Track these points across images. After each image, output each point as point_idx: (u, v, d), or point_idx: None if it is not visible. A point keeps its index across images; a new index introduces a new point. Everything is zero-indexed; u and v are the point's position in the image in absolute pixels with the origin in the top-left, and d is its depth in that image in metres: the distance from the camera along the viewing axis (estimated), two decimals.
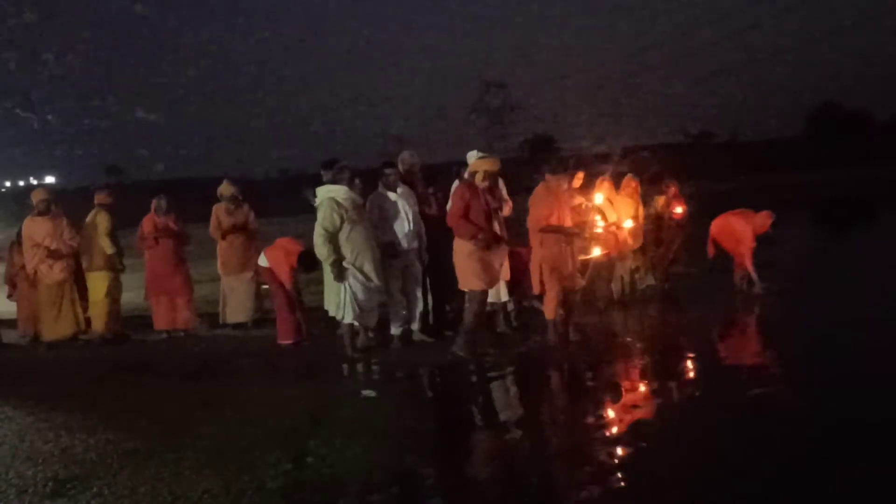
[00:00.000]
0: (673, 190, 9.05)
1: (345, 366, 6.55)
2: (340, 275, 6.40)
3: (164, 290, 8.14)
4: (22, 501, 4.01)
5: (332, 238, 6.36)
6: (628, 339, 7.18)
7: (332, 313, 6.70)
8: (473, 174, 6.56)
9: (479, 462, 4.45)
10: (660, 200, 9.00)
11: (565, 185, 6.83)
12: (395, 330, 6.93)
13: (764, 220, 8.22)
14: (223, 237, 8.21)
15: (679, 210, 8.98)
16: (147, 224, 8.20)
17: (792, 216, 12.72)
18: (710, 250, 8.72)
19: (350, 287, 6.45)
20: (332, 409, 5.30)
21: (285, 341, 7.29)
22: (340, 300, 6.48)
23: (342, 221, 6.38)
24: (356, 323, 6.63)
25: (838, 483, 3.66)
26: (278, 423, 5.01)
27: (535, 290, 6.58)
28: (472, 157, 6.95)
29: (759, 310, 7.86)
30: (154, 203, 8.25)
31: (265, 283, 7.83)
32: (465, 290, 6.43)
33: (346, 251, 6.42)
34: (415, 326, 7.01)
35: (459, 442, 4.74)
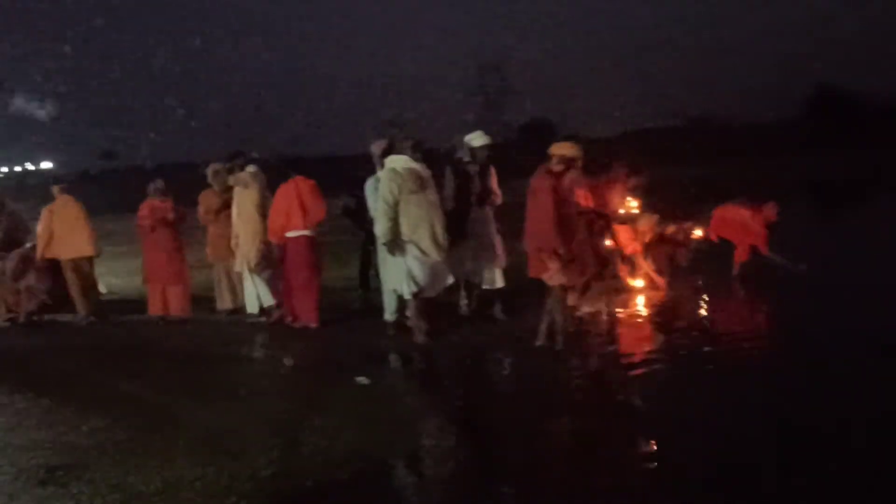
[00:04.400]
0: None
1: (341, 352, 6.54)
2: (391, 249, 6.32)
3: (160, 278, 8.11)
4: (14, 489, 4.01)
5: (392, 210, 6.24)
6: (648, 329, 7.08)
7: (392, 287, 6.60)
8: (472, 157, 6.50)
9: (475, 448, 4.42)
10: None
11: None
12: (389, 317, 6.90)
13: (770, 211, 8.21)
14: (215, 218, 8.10)
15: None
16: (144, 209, 8.16)
17: (790, 200, 12.70)
18: (713, 237, 8.61)
19: (406, 262, 6.34)
20: (325, 396, 5.29)
21: (312, 324, 7.25)
22: (397, 274, 6.40)
23: (400, 191, 6.25)
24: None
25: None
26: (271, 410, 5.01)
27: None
28: (473, 139, 6.92)
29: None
30: (151, 186, 8.20)
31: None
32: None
33: (404, 224, 6.30)
34: (409, 313, 6.96)
35: (454, 429, 4.73)
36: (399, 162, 6.39)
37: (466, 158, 6.96)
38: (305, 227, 7.18)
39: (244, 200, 7.58)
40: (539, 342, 5.99)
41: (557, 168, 5.86)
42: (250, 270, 7.57)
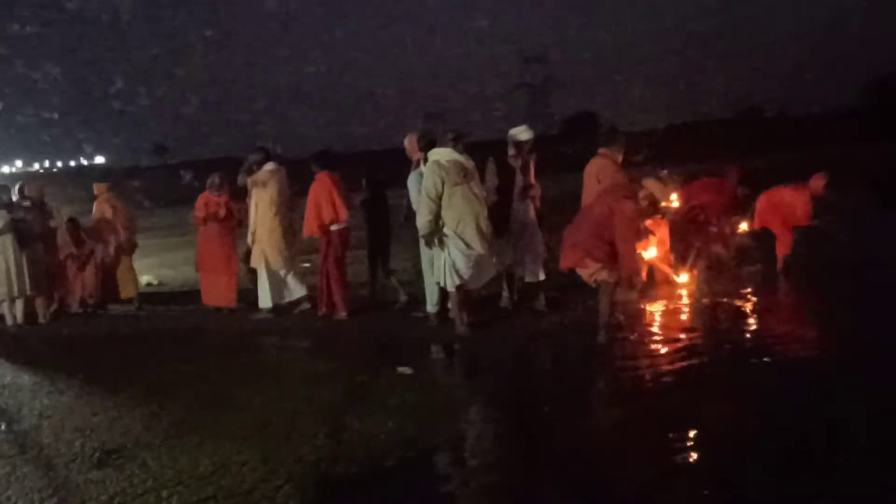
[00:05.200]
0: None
1: (383, 343, 6.62)
2: (429, 242, 6.36)
3: (209, 268, 8.33)
4: (69, 471, 4.16)
5: (435, 204, 6.25)
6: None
7: (436, 280, 6.64)
8: (516, 151, 6.53)
9: (516, 439, 4.45)
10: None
11: (620, 157, 6.75)
12: (431, 308, 6.95)
13: (817, 182, 7.88)
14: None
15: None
16: (200, 201, 8.40)
17: (845, 191, 12.34)
18: (756, 225, 8.40)
19: (450, 254, 6.36)
20: (369, 385, 5.36)
21: (343, 313, 7.45)
22: (441, 267, 6.43)
23: (443, 185, 6.26)
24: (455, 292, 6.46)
25: None
26: (317, 397, 5.11)
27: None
28: (519, 132, 6.91)
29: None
30: (208, 181, 8.42)
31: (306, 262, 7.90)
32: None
33: (448, 217, 6.30)
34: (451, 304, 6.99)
35: (494, 419, 4.76)
36: (443, 154, 6.38)
37: (511, 152, 6.94)
38: (340, 221, 7.42)
39: (262, 198, 7.69)
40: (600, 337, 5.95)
41: (643, 204, 5.84)
42: (267, 268, 7.71)
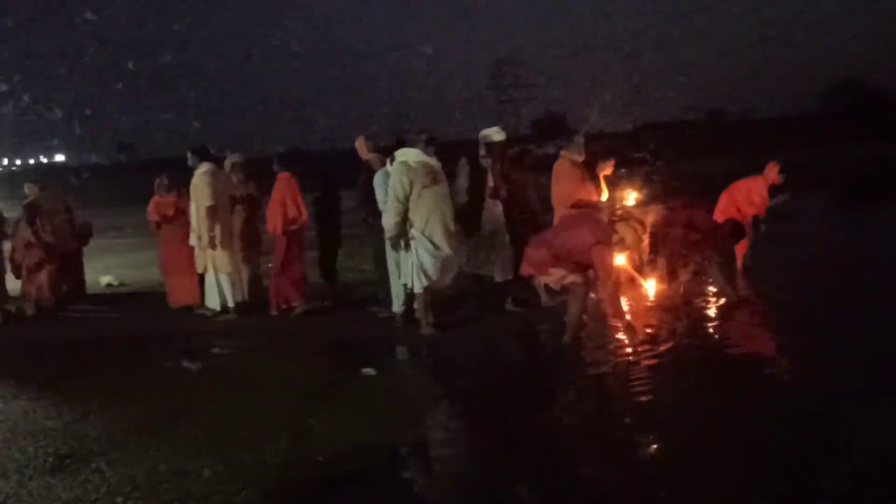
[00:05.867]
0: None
1: (347, 344, 6.54)
2: (395, 244, 6.31)
3: (172, 270, 8.18)
4: (22, 476, 4.04)
5: (403, 205, 6.20)
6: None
7: (404, 281, 6.59)
8: (487, 151, 6.57)
9: (483, 441, 4.41)
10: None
11: (579, 158, 6.75)
12: (396, 309, 6.89)
13: (772, 170, 7.94)
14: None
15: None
16: (151, 205, 8.28)
17: (808, 194, 12.54)
18: (720, 219, 8.43)
19: (418, 255, 6.32)
20: (332, 386, 5.29)
21: (305, 306, 7.57)
22: (409, 268, 6.38)
23: (412, 186, 6.22)
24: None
25: None
26: (279, 400, 5.03)
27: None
28: (492, 133, 6.89)
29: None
30: (156, 182, 8.26)
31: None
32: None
33: (415, 218, 6.26)
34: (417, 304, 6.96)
35: (461, 421, 4.72)
36: (411, 156, 6.34)
37: (483, 152, 6.92)
38: (302, 220, 7.56)
39: (198, 200, 7.50)
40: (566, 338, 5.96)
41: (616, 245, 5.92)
42: (214, 270, 7.60)
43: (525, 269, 6.13)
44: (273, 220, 7.51)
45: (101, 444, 4.41)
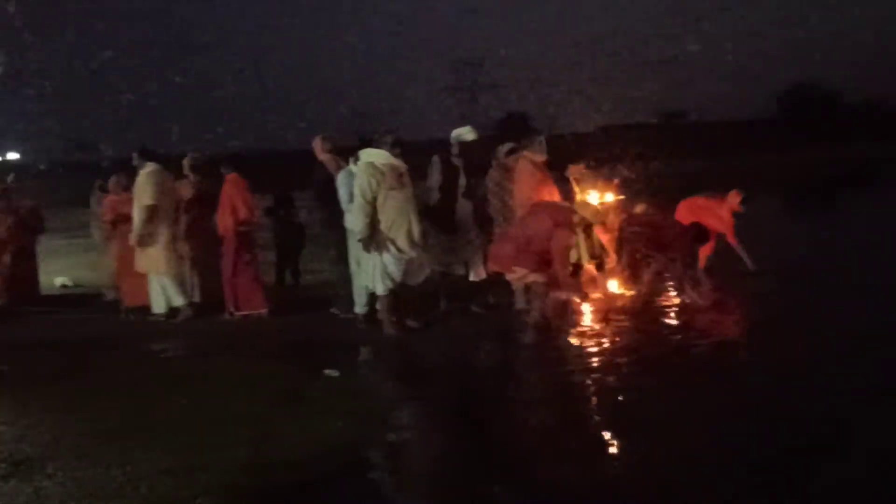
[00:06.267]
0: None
1: (309, 346, 6.50)
2: (366, 245, 6.26)
3: (127, 270, 8.03)
4: None
5: (371, 206, 6.17)
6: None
7: (366, 283, 6.55)
8: (459, 151, 6.63)
9: (447, 442, 4.40)
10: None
11: (540, 158, 6.79)
12: (359, 310, 6.86)
13: (734, 198, 8.18)
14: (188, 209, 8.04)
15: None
16: (106, 205, 8.16)
17: (763, 196, 12.82)
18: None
19: (381, 258, 6.28)
20: (295, 388, 5.25)
21: (262, 310, 7.48)
22: (371, 271, 6.35)
23: (378, 186, 6.18)
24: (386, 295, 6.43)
25: None
26: (240, 403, 4.97)
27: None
28: (465, 133, 6.90)
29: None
30: (111, 181, 8.15)
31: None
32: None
33: (381, 219, 6.23)
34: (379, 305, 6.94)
35: (425, 422, 4.71)
36: (377, 157, 6.31)
37: (455, 151, 6.93)
38: (252, 221, 7.58)
39: (139, 201, 7.47)
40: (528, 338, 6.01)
41: (577, 225, 5.96)
42: (157, 272, 7.54)
43: (490, 266, 6.19)
44: (223, 222, 7.48)
45: (56, 449, 4.31)
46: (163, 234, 7.43)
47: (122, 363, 6.29)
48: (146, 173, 7.43)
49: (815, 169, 26.60)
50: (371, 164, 6.24)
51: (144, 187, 7.36)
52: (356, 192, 6.28)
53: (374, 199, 6.19)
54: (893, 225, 12.32)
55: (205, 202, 7.85)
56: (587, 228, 6.47)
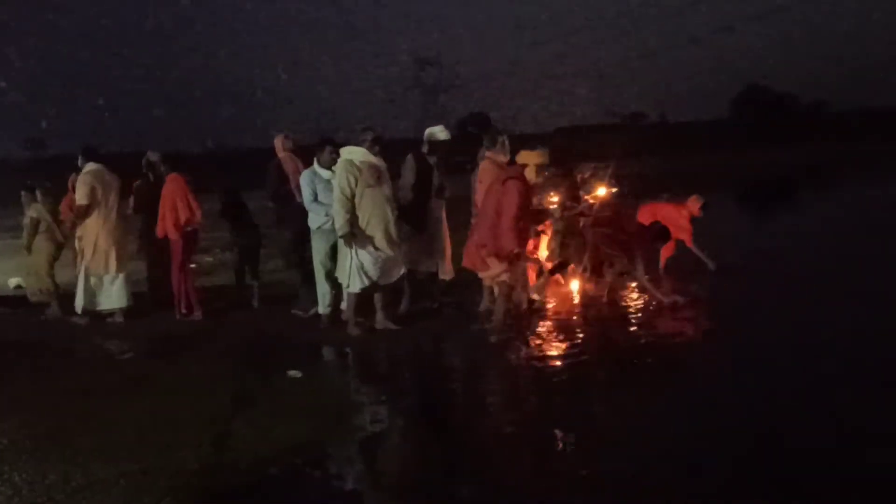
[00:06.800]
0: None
1: (272, 346, 6.46)
2: (347, 241, 6.21)
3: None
4: None
5: (349, 203, 6.15)
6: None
7: (340, 280, 6.50)
8: (431, 150, 6.59)
9: (404, 442, 4.42)
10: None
11: (503, 159, 6.81)
12: (323, 310, 6.84)
13: (693, 205, 8.37)
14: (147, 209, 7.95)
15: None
16: (64, 204, 8.03)
17: (718, 197, 13.03)
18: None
19: (358, 256, 6.24)
20: (256, 389, 5.21)
21: (198, 314, 7.50)
22: (347, 268, 6.30)
23: (356, 183, 6.15)
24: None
25: None
26: (200, 404, 4.91)
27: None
28: (438, 132, 6.89)
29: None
30: (69, 180, 8.00)
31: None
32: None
33: (358, 216, 6.21)
34: (344, 306, 6.92)
35: (387, 423, 4.70)
36: (356, 154, 6.29)
37: (425, 149, 6.93)
38: (195, 221, 7.51)
39: (79, 200, 7.41)
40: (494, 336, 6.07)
41: (536, 179, 6.04)
42: (86, 272, 7.46)
43: (464, 262, 6.27)
44: (165, 223, 7.43)
45: (12, 453, 4.22)
46: (102, 234, 7.38)
47: (76, 365, 6.17)
48: (84, 173, 7.41)
49: (765, 169, 27.21)
50: (349, 162, 6.23)
51: (80, 187, 7.36)
52: (335, 189, 6.28)
53: (354, 195, 6.18)
54: (840, 222, 12.71)
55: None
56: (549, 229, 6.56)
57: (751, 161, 30.94)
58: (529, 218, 6.15)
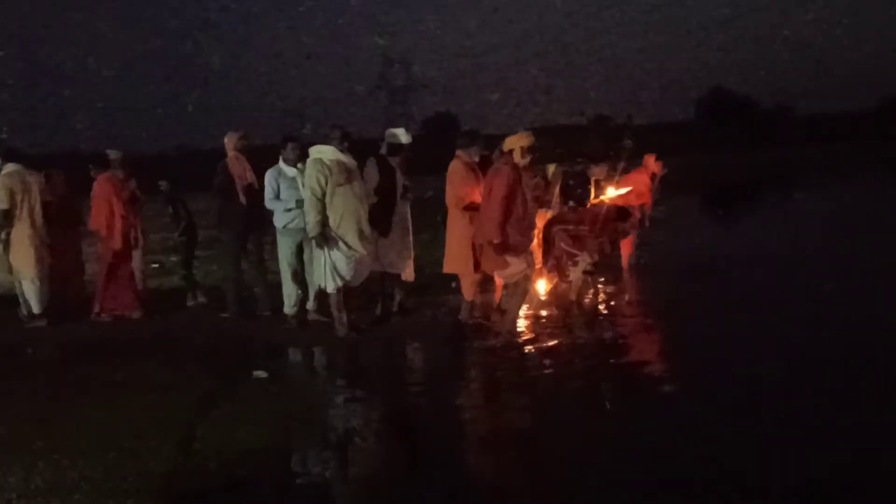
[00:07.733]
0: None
1: (237, 347, 6.41)
2: (319, 243, 6.16)
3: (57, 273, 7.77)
4: None
5: (320, 203, 6.11)
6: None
7: (318, 283, 6.45)
8: (393, 152, 6.64)
9: (371, 444, 4.40)
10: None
11: (476, 158, 6.80)
12: (288, 310, 6.81)
13: (649, 159, 8.45)
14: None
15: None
16: None
17: (682, 199, 13.25)
18: None
19: (331, 256, 6.19)
20: (221, 390, 5.17)
21: (136, 314, 7.54)
22: (322, 268, 6.26)
23: (327, 182, 6.11)
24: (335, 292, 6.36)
25: None
26: (164, 407, 4.86)
27: (454, 269, 6.64)
28: (400, 134, 6.86)
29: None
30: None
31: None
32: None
33: (329, 216, 6.15)
34: (310, 306, 6.90)
35: (355, 424, 4.69)
36: (325, 153, 6.24)
37: (384, 150, 6.90)
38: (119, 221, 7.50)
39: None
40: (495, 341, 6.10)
41: (524, 160, 5.99)
42: (21, 276, 7.43)
43: (483, 268, 6.36)
44: (95, 219, 7.45)
45: None
46: (25, 236, 7.31)
47: (35, 369, 6.08)
48: (1, 175, 7.31)
49: (729, 171, 27.63)
50: (319, 161, 6.19)
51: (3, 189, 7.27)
52: (305, 188, 6.23)
53: (324, 194, 6.14)
54: (800, 226, 12.97)
55: (129, 201, 7.69)
56: None
57: (716, 163, 31.41)
58: (525, 206, 6.07)
